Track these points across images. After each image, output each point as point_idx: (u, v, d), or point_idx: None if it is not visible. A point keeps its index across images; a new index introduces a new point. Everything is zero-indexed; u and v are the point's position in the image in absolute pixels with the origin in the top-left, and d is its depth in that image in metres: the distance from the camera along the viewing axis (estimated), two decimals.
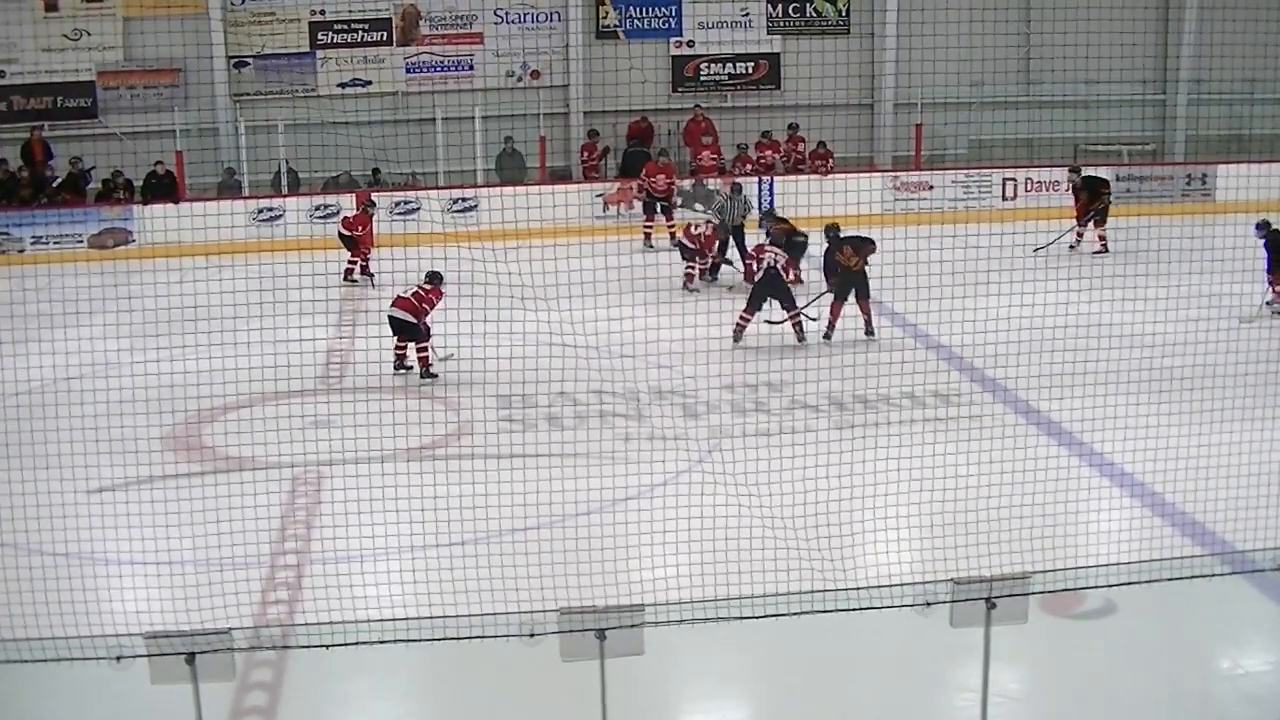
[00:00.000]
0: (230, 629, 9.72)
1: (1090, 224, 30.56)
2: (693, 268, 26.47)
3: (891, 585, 11.74)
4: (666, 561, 13.50)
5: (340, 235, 29.29)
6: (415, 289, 20.98)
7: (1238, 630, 13.28)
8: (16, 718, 11.39)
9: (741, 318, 22.53)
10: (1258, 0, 35.81)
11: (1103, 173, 35.90)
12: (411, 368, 20.93)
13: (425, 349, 20.75)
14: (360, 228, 29.10)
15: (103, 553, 14.72)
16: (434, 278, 21.12)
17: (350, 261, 28.82)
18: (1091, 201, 30.73)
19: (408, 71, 37.13)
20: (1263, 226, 24.91)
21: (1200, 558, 12.63)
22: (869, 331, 22.51)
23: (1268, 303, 24.44)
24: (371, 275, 28.86)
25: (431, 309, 20.85)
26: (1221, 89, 37.83)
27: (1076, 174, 31.85)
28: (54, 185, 34.74)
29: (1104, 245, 30.11)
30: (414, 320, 20.75)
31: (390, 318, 20.90)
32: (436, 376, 20.64)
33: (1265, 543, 12.11)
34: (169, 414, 18.79)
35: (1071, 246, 30.40)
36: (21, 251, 33.34)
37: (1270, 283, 24.54)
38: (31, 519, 14.53)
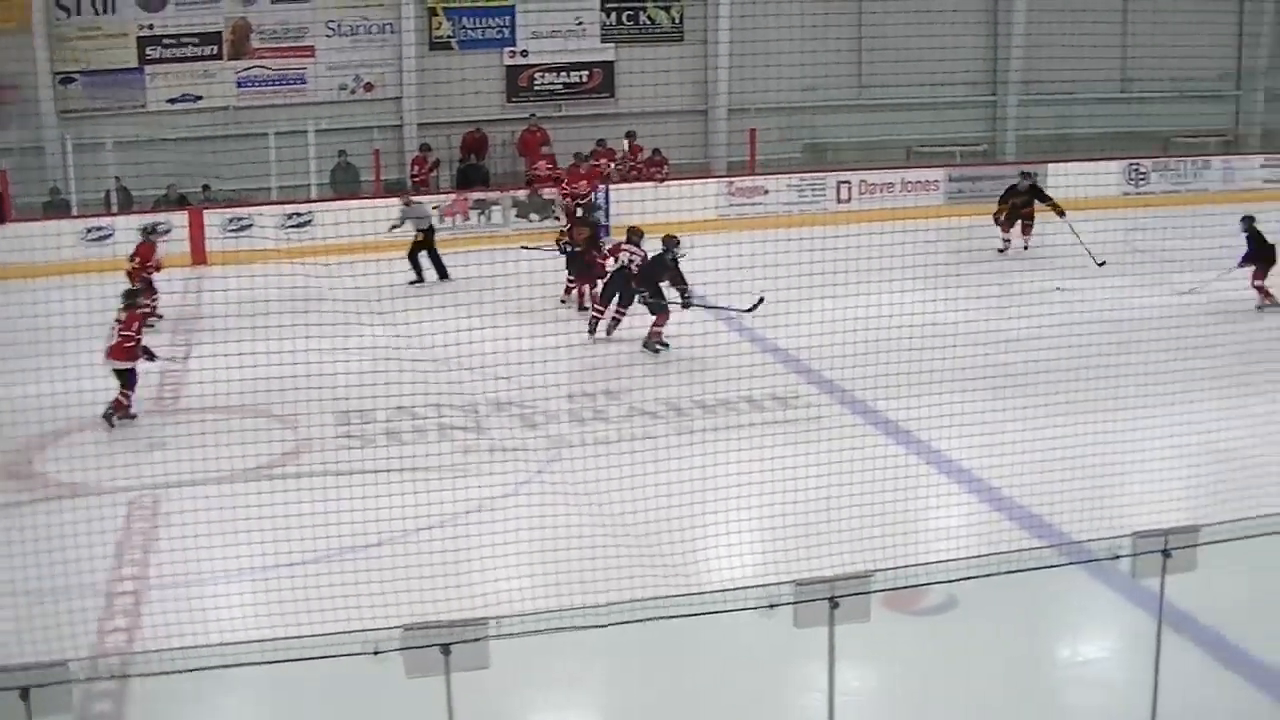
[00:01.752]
0: (66, 661, 9.54)
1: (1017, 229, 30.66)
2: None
3: (735, 589, 11.79)
4: (510, 574, 13.48)
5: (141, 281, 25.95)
6: (116, 327, 19.70)
7: (1077, 620, 13.50)
8: None
9: (595, 309, 22.69)
10: (1084, 2, 36.44)
11: (934, 174, 36.46)
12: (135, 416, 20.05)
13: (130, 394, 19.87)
14: (147, 260, 26.47)
15: None
16: (129, 297, 20.22)
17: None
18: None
19: (239, 86, 36.65)
20: (1246, 220, 25.50)
21: (1039, 550, 12.84)
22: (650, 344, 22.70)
23: (1258, 307, 25.04)
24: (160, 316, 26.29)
25: (139, 337, 19.91)
26: (1050, 89, 38.41)
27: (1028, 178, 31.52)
28: None
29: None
30: (131, 366, 19.82)
31: (115, 371, 19.82)
32: (136, 417, 19.98)
33: (1101, 533, 12.25)
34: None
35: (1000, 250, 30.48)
36: None
37: (1252, 277, 25.24)
38: None
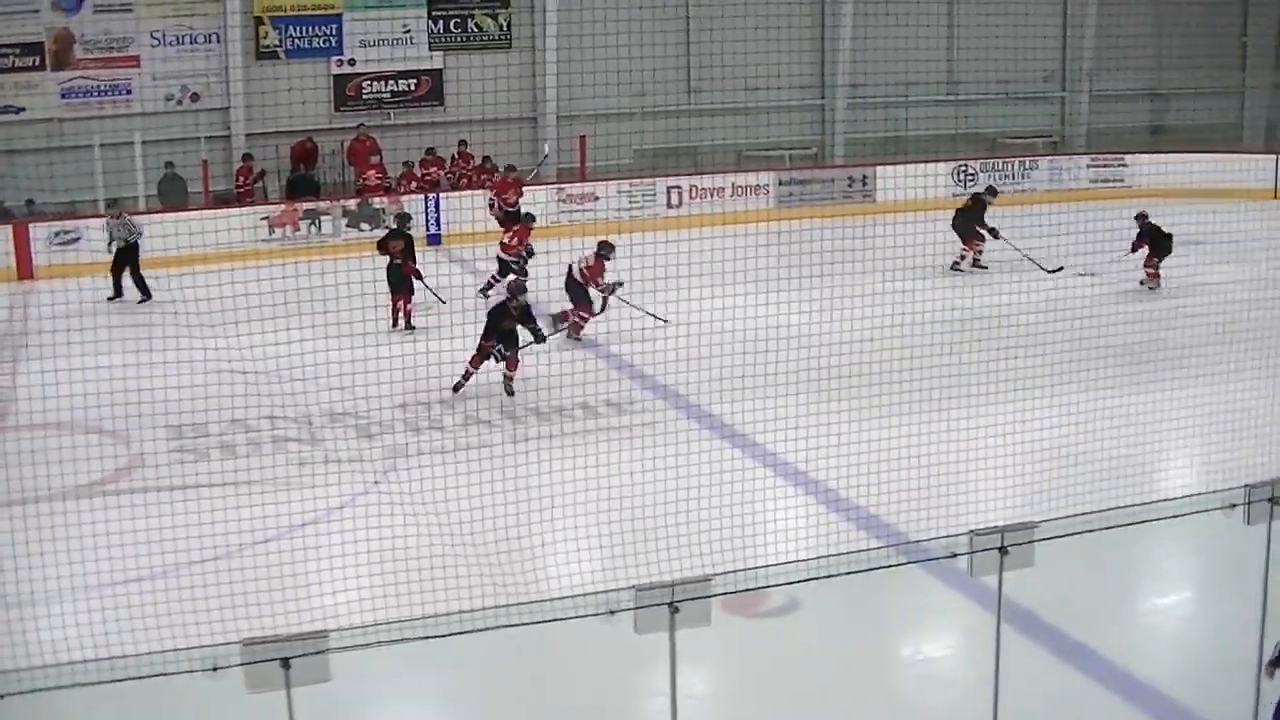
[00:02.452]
0: None
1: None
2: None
3: (575, 595, 11.82)
4: (350, 585, 13.44)
5: None
6: None
7: (918, 618, 13.70)
8: None
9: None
10: (909, 6, 36.92)
11: (764, 178, 36.75)
12: None
13: None
14: None
15: None
16: None
17: None
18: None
19: (64, 97, 36.11)
20: (1141, 217, 27.18)
21: (878, 550, 12.99)
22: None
23: (1140, 282, 27.13)
24: None
25: None
26: (878, 92, 38.88)
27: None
28: None
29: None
30: None
31: None
32: None
33: (938, 532, 12.43)
34: None
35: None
36: None
37: (1145, 265, 27.13)
38: None
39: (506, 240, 27.74)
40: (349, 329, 21.38)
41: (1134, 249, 26.91)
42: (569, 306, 23.23)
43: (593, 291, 22.73)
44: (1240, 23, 43.48)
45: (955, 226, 29.72)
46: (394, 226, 27.94)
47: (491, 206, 33.33)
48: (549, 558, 14.70)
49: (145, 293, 28.72)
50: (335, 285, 21.56)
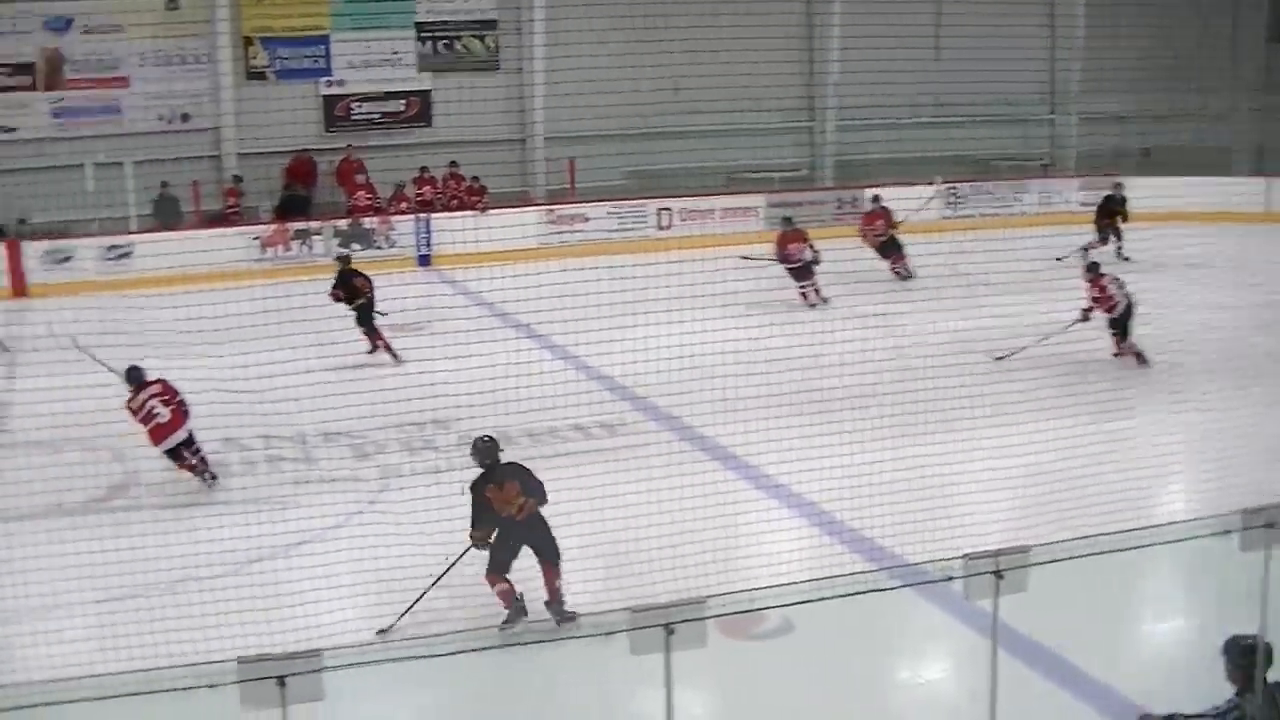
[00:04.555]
0: None
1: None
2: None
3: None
4: (345, 604, 13.46)
5: None
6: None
7: (914, 641, 13.70)
8: None
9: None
10: (897, 29, 36.98)
11: (754, 200, 36.78)
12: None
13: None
14: None
15: None
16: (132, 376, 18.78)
17: None
18: None
19: (55, 116, 36.19)
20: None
21: (872, 573, 13.02)
22: None
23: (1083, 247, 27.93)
24: None
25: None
26: (867, 114, 38.94)
27: None
28: None
29: None
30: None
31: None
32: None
33: (932, 554, 12.49)
34: None
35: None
36: None
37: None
38: None
39: None
40: (342, 349, 21.39)
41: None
42: None
43: None
44: (1229, 46, 43.56)
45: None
46: (346, 266, 25.90)
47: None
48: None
49: None
50: (327, 305, 21.65)
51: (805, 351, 19.27)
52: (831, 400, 17.95)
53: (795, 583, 11.76)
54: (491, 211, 34.87)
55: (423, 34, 38.63)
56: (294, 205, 36.02)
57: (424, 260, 34.37)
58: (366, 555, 14.47)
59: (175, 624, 12.72)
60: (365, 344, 24.46)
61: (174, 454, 18.42)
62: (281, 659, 9.47)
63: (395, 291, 25.27)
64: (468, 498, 13.98)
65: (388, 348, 24.64)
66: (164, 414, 18.28)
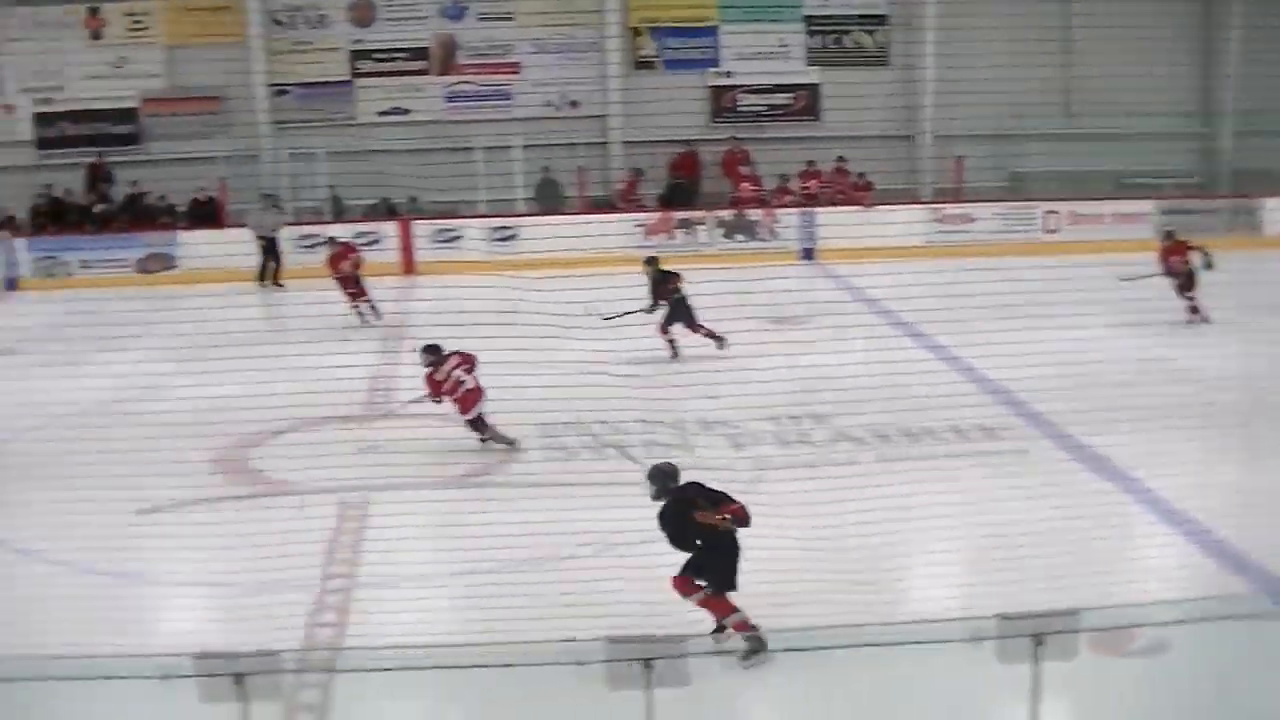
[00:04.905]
0: (278, 651, 9.76)
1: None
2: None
3: (939, 620, 11.72)
4: None
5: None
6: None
7: None
8: None
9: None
10: None
11: (1144, 207, 35.74)
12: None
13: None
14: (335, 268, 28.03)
15: (152, 573, 14.80)
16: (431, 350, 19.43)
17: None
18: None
19: (447, 100, 37.25)
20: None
21: (1255, 596, 12.54)
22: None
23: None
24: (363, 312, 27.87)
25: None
26: (1269, 121, 37.35)
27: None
28: (105, 210, 35.52)
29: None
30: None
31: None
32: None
33: None
34: (216, 437, 18.87)
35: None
36: (70, 275, 33.67)
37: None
38: (82, 539, 14.63)
39: None
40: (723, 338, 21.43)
41: None
42: None
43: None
44: None
45: None
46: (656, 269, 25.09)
47: None
48: (912, 579, 14.53)
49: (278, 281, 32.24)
50: (702, 295, 21.74)
51: (1192, 365, 18.74)
52: (1218, 414, 17.39)
53: (1173, 600, 11.43)
54: (876, 208, 34.62)
55: (812, 27, 38.55)
56: (680, 194, 36.33)
57: (807, 254, 34.34)
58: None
59: (543, 600, 12.91)
60: (750, 331, 24.28)
61: (479, 423, 18.99)
62: (650, 642, 9.58)
63: (776, 285, 25.27)
64: (834, 493, 13.90)
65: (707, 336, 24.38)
66: (470, 381, 18.88)
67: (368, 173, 33.81)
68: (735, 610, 12.69)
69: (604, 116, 37.66)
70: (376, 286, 27.87)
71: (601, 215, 34.56)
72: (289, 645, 12.22)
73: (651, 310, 23.74)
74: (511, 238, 33.49)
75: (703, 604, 12.78)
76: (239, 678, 9.35)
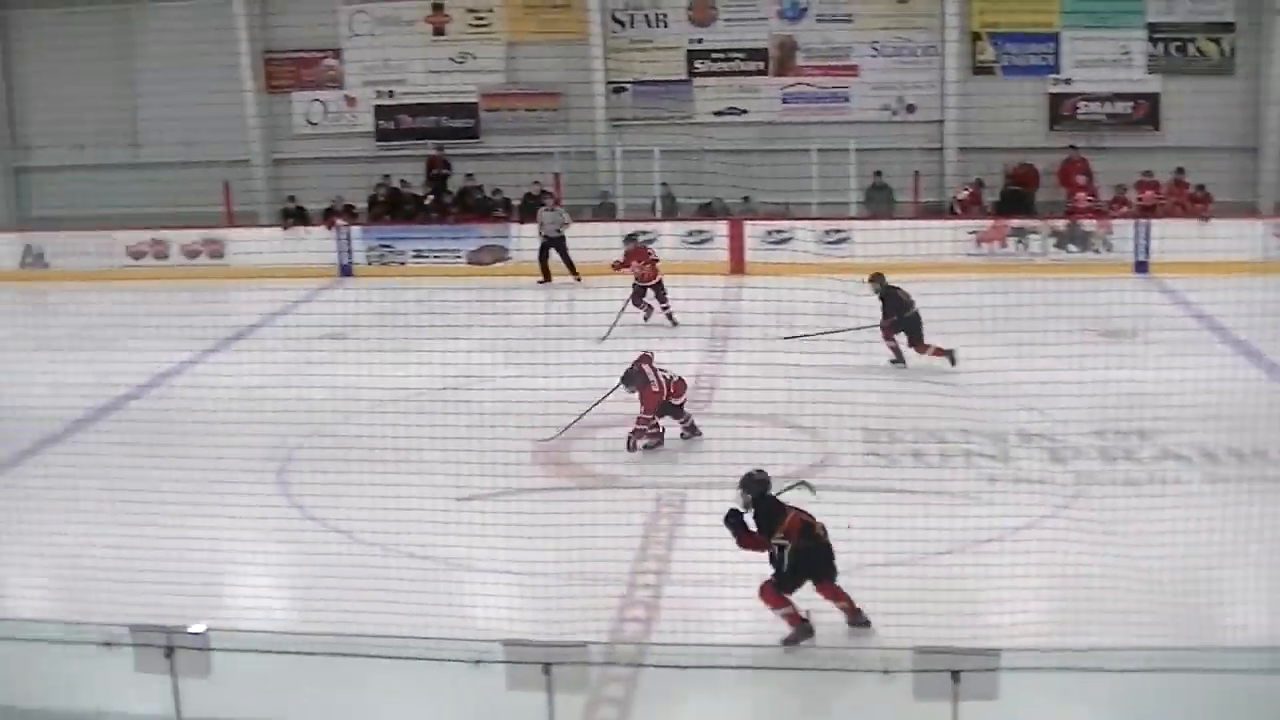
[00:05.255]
0: (587, 643, 9.89)
1: None
2: None
3: (1249, 650, 11.39)
4: (1024, 607, 13.30)
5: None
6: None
7: None
8: (378, 715, 11.68)
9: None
10: None
11: None
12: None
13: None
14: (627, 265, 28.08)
15: (466, 559, 15.12)
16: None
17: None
18: None
19: (783, 101, 37.32)
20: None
21: None
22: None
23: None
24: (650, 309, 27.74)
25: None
26: None
27: None
28: (441, 200, 36.83)
29: None
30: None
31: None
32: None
33: None
34: (538, 428, 19.23)
35: None
36: (403, 265, 34.61)
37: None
38: (399, 522, 15.01)
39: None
40: (1041, 350, 21.21)
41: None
42: None
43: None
44: None
45: None
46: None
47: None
48: (1229, 605, 14.11)
49: (575, 275, 31.98)
50: (1034, 305, 21.45)
51: None
52: None
53: None
54: (1214, 221, 33.74)
55: (1155, 35, 37.64)
56: (1016, 202, 35.84)
57: (1140, 267, 33.59)
58: (1053, 560, 14.22)
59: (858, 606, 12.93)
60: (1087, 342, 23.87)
61: (679, 411, 19.49)
62: (959, 653, 9.52)
63: (1109, 297, 24.83)
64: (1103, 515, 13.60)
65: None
66: (672, 374, 19.40)
67: (701, 171, 33.99)
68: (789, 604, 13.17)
69: (940, 122, 37.32)
70: (704, 285, 28.00)
71: (934, 221, 34.26)
72: (597, 638, 12.42)
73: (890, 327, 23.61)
74: (845, 240, 33.39)
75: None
76: (546, 667, 9.52)
